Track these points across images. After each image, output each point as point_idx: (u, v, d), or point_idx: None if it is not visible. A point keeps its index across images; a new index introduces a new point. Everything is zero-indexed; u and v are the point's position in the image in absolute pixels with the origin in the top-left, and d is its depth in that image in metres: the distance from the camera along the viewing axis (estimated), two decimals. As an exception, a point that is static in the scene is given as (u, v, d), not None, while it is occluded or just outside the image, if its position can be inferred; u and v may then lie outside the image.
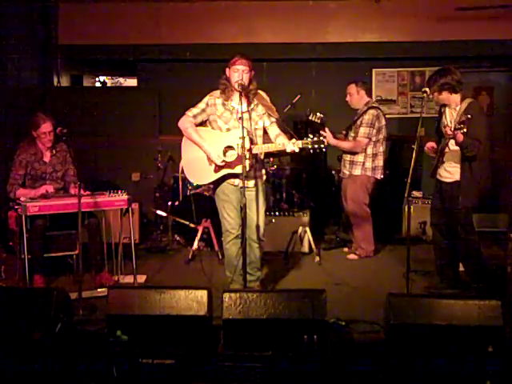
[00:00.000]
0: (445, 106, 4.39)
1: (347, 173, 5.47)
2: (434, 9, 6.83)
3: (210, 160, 4.18)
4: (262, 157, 4.35)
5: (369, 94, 5.61)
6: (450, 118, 4.32)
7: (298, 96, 5.94)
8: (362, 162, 5.36)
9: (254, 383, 2.99)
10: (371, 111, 5.33)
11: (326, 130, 5.18)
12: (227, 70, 4.13)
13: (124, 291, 3.48)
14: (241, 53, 4.13)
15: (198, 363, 3.11)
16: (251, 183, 4.20)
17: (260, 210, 4.26)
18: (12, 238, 4.64)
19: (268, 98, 4.31)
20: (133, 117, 7.02)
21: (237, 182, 4.19)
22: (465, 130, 3.88)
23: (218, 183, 4.26)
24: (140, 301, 3.26)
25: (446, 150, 4.24)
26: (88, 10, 7.06)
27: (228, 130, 4.15)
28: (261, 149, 4.13)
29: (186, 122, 4.22)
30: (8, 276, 4.77)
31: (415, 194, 6.34)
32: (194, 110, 4.22)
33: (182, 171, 4.61)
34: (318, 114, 5.43)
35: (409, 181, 3.97)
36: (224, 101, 4.17)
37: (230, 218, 4.26)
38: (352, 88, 5.48)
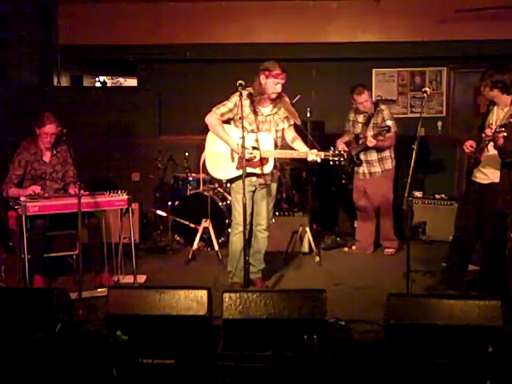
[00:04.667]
0: (494, 103, 4.21)
1: (378, 170, 5.50)
2: (434, 9, 6.83)
3: (233, 156, 4.35)
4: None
5: None
6: (496, 117, 4.14)
7: (298, 96, 5.93)
8: (390, 155, 5.49)
9: (254, 383, 2.99)
10: (384, 106, 5.51)
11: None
12: (263, 76, 4.22)
13: (124, 291, 3.48)
14: (279, 64, 4.23)
15: (197, 363, 3.11)
16: (267, 180, 4.40)
17: (270, 203, 4.52)
18: (12, 237, 4.63)
19: (288, 101, 4.44)
20: (133, 117, 7.01)
21: (254, 178, 4.37)
22: (505, 134, 3.73)
23: (236, 178, 4.41)
24: (140, 301, 3.26)
25: (485, 151, 4.11)
26: (88, 10, 7.04)
27: (252, 131, 4.28)
28: (284, 154, 4.32)
29: (213, 119, 4.35)
30: (8, 276, 4.76)
31: (415, 193, 6.34)
32: (222, 109, 4.34)
33: (204, 163, 4.69)
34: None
35: (409, 181, 3.97)
36: (251, 103, 4.29)
37: (238, 214, 4.41)
38: (367, 96, 5.47)
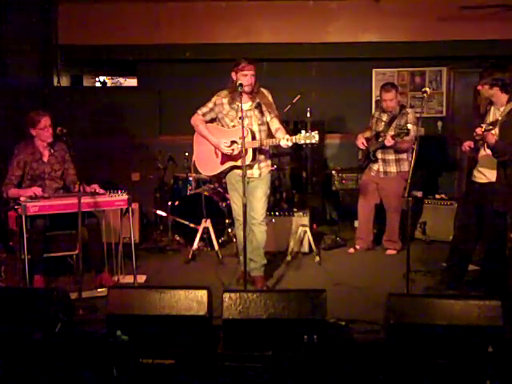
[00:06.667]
0: (491, 103, 4.20)
1: (394, 170, 5.51)
2: (434, 9, 6.83)
3: (216, 153, 4.54)
4: (268, 148, 4.59)
5: None
6: (493, 117, 4.14)
7: (298, 96, 5.95)
8: (407, 158, 5.49)
9: (254, 383, 2.99)
10: (410, 110, 5.54)
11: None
12: (233, 74, 4.41)
13: (124, 291, 3.48)
14: (246, 58, 4.41)
15: (197, 363, 3.11)
16: (256, 173, 4.52)
17: (263, 197, 4.57)
18: (12, 237, 4.63)
19: (270, 96, 4.57)
20: (133, 117, 7.02)
21: (240, 172, 4.45)
22: (493, 132, 3.76)
23: (225, 173, 4.63)
24: (140, 301, 3.26)
25: (482, 151, 4.12)
26: (88, 10, 7.05)
27: (233, 126, 4.47)
28: (258, 143, 4.40)
29: (196, 120, 4.60)
30: (8, 276, 4.76)
31: (415, 194, 6.34)
32: (204, 109, 4.58)
33: (195, 164, 4.96)
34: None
35: (409, 181, 3.97)
36: (230, 101, 4.46)
37: (236, 206, 4.62)
38: (393, 95, 5.47)
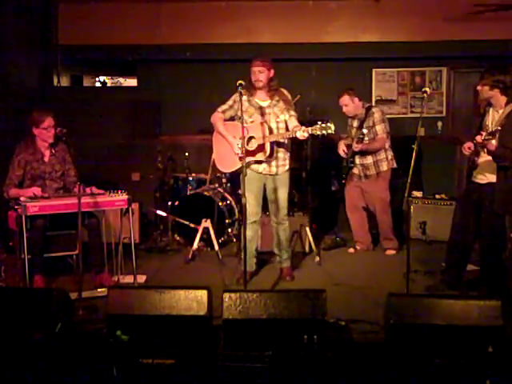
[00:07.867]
0: (490, 105, 4.20)
1: (373, 173, 5.52)
2: (434, 9, 6.83)
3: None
4: (286, 145, 4.65)
5: (359, 96, 5.62)
6: (492, 119, 4.14)
7: (298, 96, 5.93)
8: (386, 157, 5.49)
9: (254, 383, 2.99)
10: (375, 109, 5.47)
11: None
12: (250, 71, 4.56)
13: (124, 291, 3.49)
14: (260, 55, 4.57)
15: (198, 363, 3.11)
16: (273, 170, 4.63)
17: (281, 195, 4.69)
18: (12, 237, 4.63)
19: (289, 95, 4.71)
20: (132, 117, 7.01)
21: (260, 168, 4.62)
22: (493, 141, 3.78)
23: (241, 169, 4.68)
24: (140, 301, 3.26)
25: (482, 154, 4.11)
26: (88, 10, 7.04)
27: (252, 122, 4.56)
28: (276, 136, 4.50)
29: (216, 118, 4.71)
30: (8, 276, 4.75)
31: (415, 193, 6.34)
32: (223, 107, 4.70)
33: (214, 164, 5.01)
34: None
35: (409, 181, 3.97)
36: (249, 97, 4.57)
37: (248, 206, 4.56)
38: (346, 99, 5.50)
